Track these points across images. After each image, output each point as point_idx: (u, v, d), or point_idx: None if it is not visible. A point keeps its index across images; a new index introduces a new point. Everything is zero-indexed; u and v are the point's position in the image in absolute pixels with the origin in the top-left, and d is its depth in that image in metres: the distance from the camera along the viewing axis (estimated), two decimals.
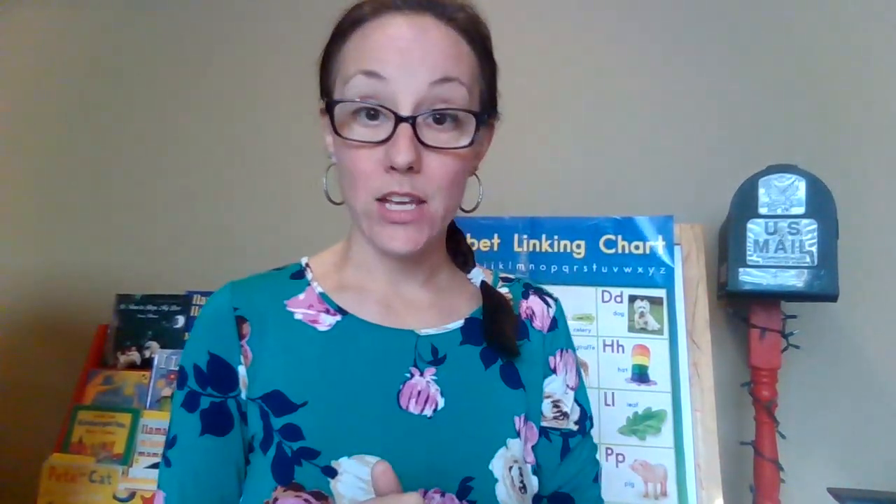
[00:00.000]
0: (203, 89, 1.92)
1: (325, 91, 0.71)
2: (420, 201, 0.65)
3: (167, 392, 1.54)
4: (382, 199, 0.64)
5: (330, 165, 0.73)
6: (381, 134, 0.64)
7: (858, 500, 1.24)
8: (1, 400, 1.86)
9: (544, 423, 0.75)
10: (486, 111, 0.70)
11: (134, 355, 1.67)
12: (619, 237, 1.39)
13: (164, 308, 1.69)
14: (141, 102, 1.96)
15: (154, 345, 1.66)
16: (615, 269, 1.38)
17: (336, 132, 0.66)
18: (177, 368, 1.56)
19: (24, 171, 2.03)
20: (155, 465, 1.46)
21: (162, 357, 1.58)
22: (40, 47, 2.08)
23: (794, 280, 1.26)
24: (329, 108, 0.67)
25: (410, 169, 0.63)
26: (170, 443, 0.69)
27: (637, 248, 1.38)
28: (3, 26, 2.12)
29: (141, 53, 1.99)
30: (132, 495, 1.45)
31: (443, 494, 0.65)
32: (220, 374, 0.69)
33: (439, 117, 0.65)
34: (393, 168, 0.63)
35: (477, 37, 0.70)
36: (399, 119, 0.63)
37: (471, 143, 0.66)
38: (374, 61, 0.64)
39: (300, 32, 1.83)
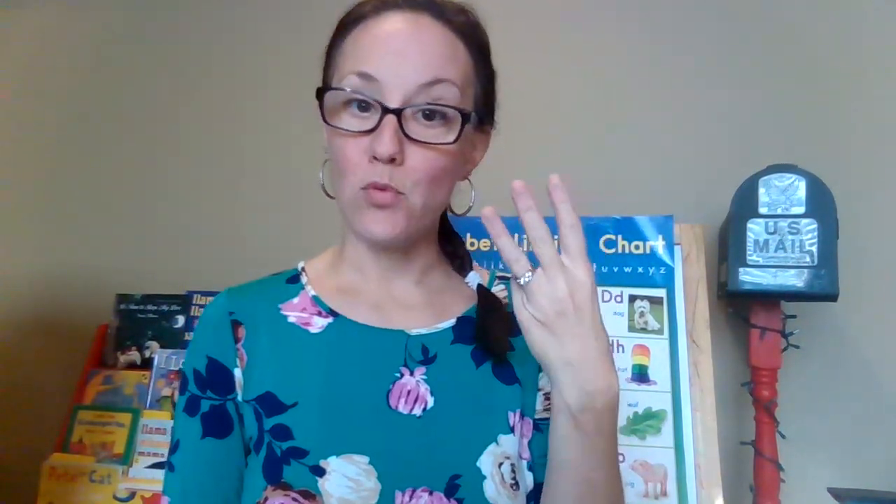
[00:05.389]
0: (203, 89, 1.92)
1: (325, 82, 0.72)
2: (398, 193, 0.65)
3: (167, 392, 1.54)
4: (366, 188, 0.66)
5: (326, 160, 0.73)
6: (368, 125, 0.65)
7: (858, 500, 1.24)
8: (1, 400, 1.86)
9: (536, 416, 0.74)
10: (478, 113, 0.70)
11: (134, 355, 1.66)
12: (619, 237, 1.39)
13: (164, 308, 1.69)
14: (141, 103, 1.96)
15: (154, 345, 1.66)
16: (615, 269, 1.38)
17: (324, 119, 0.67)
18: (177, 368, 1.57)
19: (24, 171, 2.03)
20: (155, 465, 1.46)
21: (162, 357, 1.58)
22: (40, 47, 2.08)
23: (794, 280, 1.26)
24: (320, 94, 0.68)
25: (393, 161, 0.64)
26: (173, 448, 0.70)
27: (637, 247, 1.38)
28: (3, 26, 2.11)
29: (141, 54, 1.98)
30: (132, 495, 1.45)
31: (431, 493, 0.65)
32: (217, 377, 0.70)
33: (429, 113, 0.66)
34: (376, 158, 0.64)
35: (474, 41, 0.70)
36: (385, 111, 0.64)
37: (456, 140, 0.66)
38: (367, 62, 0.65)
39: (303, 33, 1.83)
